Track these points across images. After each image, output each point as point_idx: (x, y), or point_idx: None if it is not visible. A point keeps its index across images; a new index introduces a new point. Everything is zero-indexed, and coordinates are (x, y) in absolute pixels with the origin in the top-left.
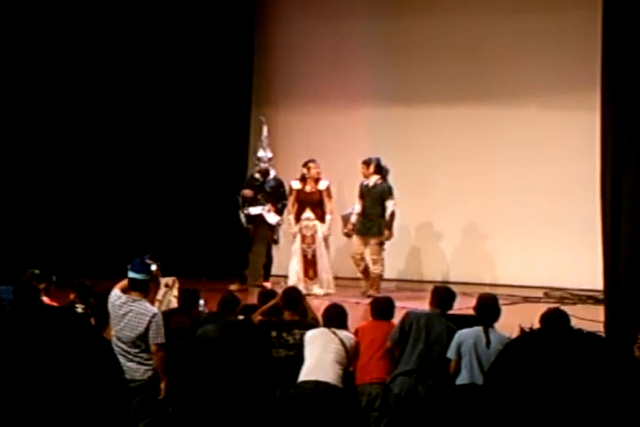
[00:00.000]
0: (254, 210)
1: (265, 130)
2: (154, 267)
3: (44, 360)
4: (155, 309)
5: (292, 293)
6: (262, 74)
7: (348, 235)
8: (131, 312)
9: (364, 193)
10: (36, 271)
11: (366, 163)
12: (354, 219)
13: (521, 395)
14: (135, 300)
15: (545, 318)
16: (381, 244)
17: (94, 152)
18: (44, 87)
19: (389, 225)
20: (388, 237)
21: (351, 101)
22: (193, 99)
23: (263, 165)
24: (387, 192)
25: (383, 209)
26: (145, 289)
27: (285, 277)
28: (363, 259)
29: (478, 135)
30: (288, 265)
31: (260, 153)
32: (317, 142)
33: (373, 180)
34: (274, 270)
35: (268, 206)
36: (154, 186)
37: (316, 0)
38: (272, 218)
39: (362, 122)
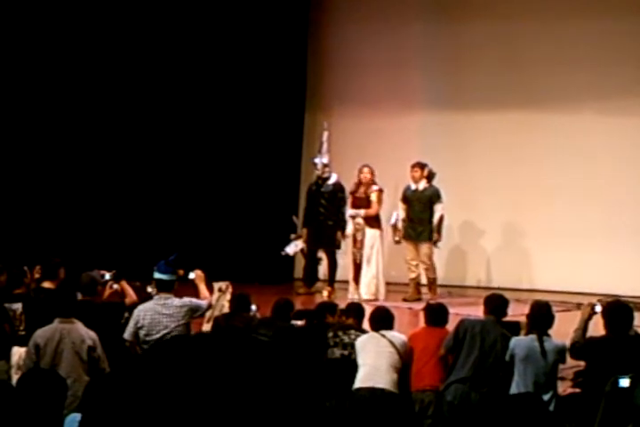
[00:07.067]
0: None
1: (325, 135)
2: (192, 275)
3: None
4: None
5: (359, 307)
6: (316, 79)
7: (398, 242)
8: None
9: (409, 197)
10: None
11: (420, 166)
12: (400, 225)
13: None
14: (167, 298)
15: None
16: (432, 248)
17: (149, 157)
18: (91, 89)
19: (438, 229)
20: (437, 241)
21: (404, 107)
22: (247, 104)
23: (317, 172)
24: (436, 196)
25: (432, 213)
26: (171, 289)
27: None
28: (418, 265)
29: (530, 142)
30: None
31: (316, 159)
32: (370, 147)
33: (423, 184)
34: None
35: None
36: (208, 191)
37: (369, 5)
38: (291, 248)
39: (414, 127)
